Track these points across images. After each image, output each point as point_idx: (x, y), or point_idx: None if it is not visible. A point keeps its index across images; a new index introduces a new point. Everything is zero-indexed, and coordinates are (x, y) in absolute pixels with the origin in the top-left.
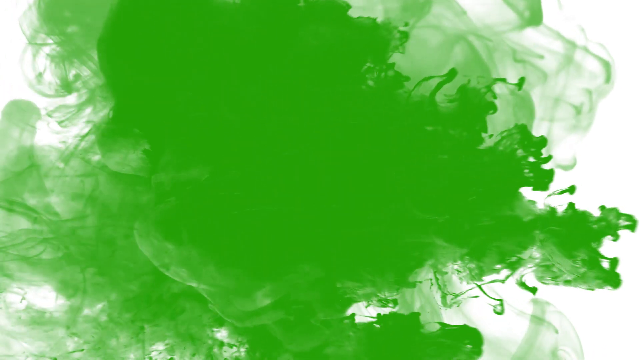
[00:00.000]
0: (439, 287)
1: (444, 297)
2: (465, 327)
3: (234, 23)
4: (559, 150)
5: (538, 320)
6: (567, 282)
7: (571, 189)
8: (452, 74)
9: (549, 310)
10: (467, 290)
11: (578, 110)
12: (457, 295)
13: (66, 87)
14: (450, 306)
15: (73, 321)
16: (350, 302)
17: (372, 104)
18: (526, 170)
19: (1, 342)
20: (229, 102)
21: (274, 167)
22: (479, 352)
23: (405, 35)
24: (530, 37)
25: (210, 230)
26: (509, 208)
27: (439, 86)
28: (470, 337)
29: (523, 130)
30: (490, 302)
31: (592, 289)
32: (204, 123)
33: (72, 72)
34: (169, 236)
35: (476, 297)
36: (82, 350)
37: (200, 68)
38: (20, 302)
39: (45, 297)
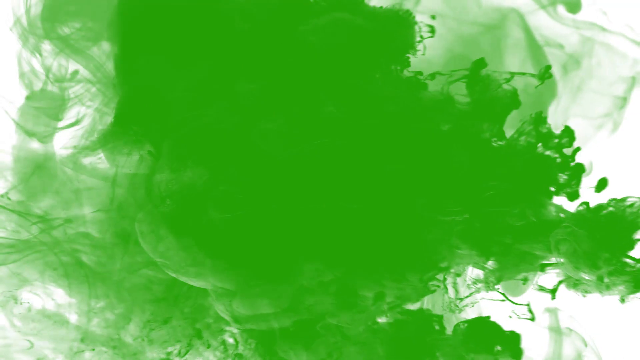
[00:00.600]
0: (446, 291)
1: (452, 301)
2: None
3: (231, 20)
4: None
5: (558, 330)
6: (580, 287)
7: (601, 184)
8: (479, 65)
9: (562, 316)
10: (472, 294)
11: (622, 102)
12: (461, 299)
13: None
14: (461, 311)
15: (86, 324)
16: (367, 309)
17: (384, 103)
18: (552, 168)
19: (23, 348)
20: (228, 101)
21: (275, 167)
22: (519, 355)
23: (432, 31)
24: (546, 24)
25: (208, 232)
26: (533, 208)
27: (454, 81)
28: (502, 339)
29: (538, 121)
30: (514, 310)
31: (622, 298)
32: (199, 122)
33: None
34: (175, 233)
35: (502, 300)
36: (93, 349)
37: (199, 64)
38: (25, 307)
39: (58, 299)
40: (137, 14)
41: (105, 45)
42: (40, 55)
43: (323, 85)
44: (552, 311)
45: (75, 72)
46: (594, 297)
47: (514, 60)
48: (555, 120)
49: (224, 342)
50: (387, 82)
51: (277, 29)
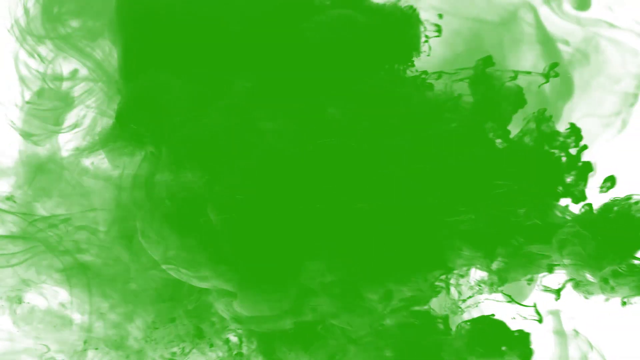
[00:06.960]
0: (448, 292)
1: (454, 303)
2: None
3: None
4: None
5: (562, 333)
6: (584, 289)
7: (609, 182)
8: (485, 63)
9: (564, 318)
10: (474, 294)
11: (632, 99)
12: (464, 300)
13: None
14: (463, 312)
15: (89, 325)
16: (372, 311)
17: (388, 102)
18: (558, 168)
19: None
20: (226, 101)
21: (276, 167)
22: (529, 355)
23: (439, 30)
24: (551, 20)
25: (209, 233)
26: (538, 209)
27: (458, 80)
28: (509, 339)
29: (540, 119)
30: (520, 312)
31: (624, 301)
32: (197, 124)
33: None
34: (177, 233)
35: (509, 302)
36: (97, 349)
37: (197, 65)
38: (28, 307)
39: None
40: (135, 15)
41: (106, 44)
42: (40, 56)
43: (325, 84)
44: (556, 313)
45: (75, 71)
46: (596, 299)
47: (525, 57)
48: (563, 118)
49: (227, 341)
50: (391, 82)
51: (277, 28)
